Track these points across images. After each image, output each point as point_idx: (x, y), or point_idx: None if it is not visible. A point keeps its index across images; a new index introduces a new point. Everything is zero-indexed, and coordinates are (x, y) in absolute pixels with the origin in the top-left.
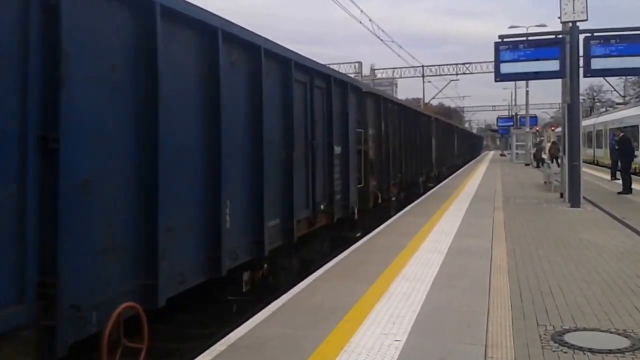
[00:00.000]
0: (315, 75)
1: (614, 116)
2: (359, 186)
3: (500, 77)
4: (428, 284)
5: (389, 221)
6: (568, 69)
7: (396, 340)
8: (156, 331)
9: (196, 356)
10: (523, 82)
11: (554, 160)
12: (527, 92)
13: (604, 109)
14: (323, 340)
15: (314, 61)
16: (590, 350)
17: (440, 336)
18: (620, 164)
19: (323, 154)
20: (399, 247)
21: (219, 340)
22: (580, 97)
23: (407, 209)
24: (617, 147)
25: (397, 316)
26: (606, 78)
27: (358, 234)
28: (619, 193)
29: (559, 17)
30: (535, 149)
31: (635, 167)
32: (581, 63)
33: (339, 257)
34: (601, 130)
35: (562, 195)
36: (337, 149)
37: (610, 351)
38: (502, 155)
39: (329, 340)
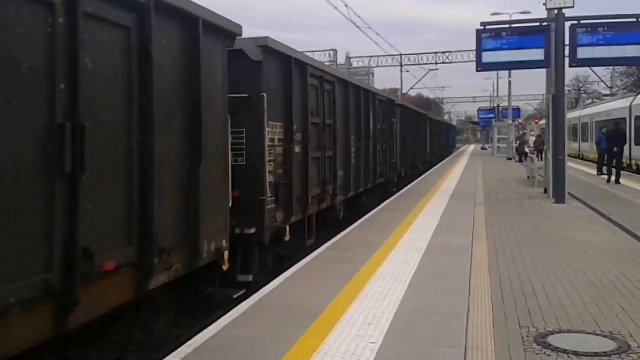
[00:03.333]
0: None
1: (601, 108)
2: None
3: (482, 66)
4: (406, 283)
5: (366, 216)
6: (553, 58)
7: (372, 343)
8: None
9: (162, 358)
10: (505, 73)
11: (539, 154)
12: (509, 82)
13: (590, 101)
14: (295, 343)
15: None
16: (575, 353)
17: (418, 339)
18: None
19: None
20: (376, 244)
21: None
22: (566, 88)
23: (384, 204)
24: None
25: (373, 317)
26: (593, 68)
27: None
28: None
29: (544, 4)
30: (518, 142)
31: (625, 161)
32: (567, 52)
33: (314, 254)
34: (587, 123)
35: (546, 191)
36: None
37: (595, 354)
38: (483, 149)
39: (301, 343)
